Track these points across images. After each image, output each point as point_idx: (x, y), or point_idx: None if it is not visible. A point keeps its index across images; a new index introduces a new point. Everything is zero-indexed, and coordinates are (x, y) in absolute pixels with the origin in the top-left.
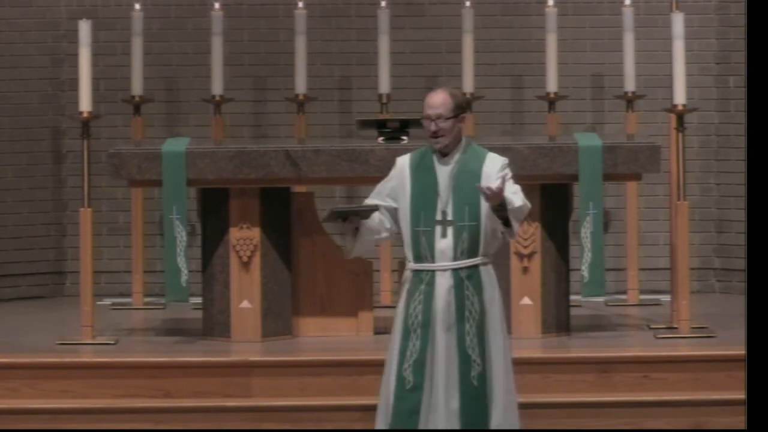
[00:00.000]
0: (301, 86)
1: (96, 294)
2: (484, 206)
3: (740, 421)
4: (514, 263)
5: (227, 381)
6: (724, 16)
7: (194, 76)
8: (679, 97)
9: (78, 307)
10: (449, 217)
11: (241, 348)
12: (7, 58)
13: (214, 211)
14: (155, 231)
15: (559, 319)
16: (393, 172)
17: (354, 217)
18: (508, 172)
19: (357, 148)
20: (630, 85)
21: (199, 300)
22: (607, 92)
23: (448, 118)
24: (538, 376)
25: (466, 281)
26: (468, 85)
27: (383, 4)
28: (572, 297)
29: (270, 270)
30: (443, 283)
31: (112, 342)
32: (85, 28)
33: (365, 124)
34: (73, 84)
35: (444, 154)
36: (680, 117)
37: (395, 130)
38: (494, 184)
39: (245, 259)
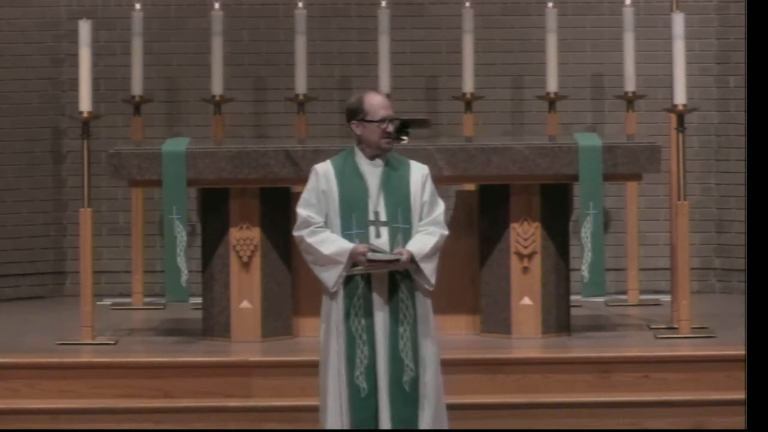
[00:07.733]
0: (301, 86)
1: (96, 294)
2: (416, 210)
3: (740, 421)
4: (514, 263)
5: (227, 381)
6: (724, 16)
7: (194, 76)
8: (679, 97)
9: (78, 307)
10: (382, 218)
11: (241, 348)
12: (7, 58)
13: (214, 211)
14: (155, 231)
15: (559, 319)
16: (316, 180)
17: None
18: (429, 182)
19: None
20: (630, 85)
21: (199, 300)
22: (607, 92)
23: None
24: (538, 376)
25: (401, 284)
26: (468, 85)
27: (383, 4)
28: (572, 297)
29: (270, 270)
30: (380, 285)
31: (112, 342)
32: (85, 28)
33: None
34: (73, 84)
35: (372, 157)
36: (680, 117)
37: (395, 130)
38: (403, 258)
39: (245, 259)
